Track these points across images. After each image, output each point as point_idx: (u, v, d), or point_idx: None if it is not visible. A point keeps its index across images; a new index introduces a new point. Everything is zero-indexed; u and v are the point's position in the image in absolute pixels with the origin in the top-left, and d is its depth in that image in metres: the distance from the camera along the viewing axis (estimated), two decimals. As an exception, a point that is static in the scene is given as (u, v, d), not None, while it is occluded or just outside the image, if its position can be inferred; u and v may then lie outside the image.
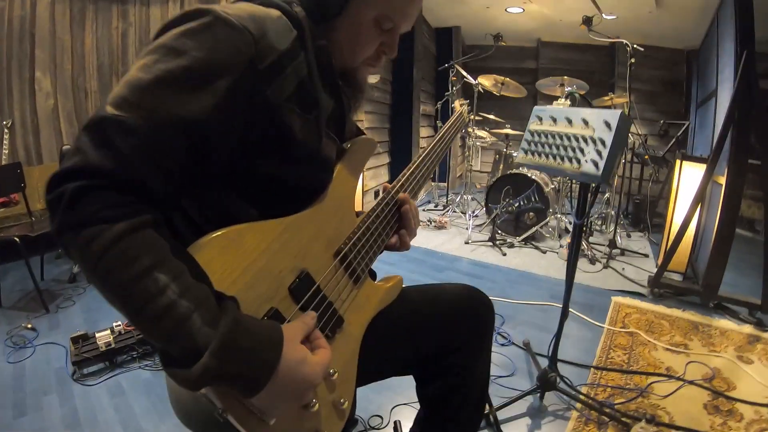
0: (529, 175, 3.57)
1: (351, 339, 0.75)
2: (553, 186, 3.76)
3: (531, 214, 3.61)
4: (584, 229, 3.37)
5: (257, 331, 0.52)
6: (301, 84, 0.65)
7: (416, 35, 5.03)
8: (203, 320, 0.48)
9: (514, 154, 3.93)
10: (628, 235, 3.93)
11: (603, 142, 1.18)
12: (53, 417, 1.52)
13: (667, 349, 2.02)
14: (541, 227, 3.63)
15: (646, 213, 4.13)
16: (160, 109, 0.51)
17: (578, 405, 1.59)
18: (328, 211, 0.74)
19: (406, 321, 0.89)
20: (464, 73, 4.13)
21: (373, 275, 0.86)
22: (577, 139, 1.24)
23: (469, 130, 4.20)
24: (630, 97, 3.34)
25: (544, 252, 3.41)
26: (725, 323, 2.29)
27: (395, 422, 1.44)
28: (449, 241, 3.68)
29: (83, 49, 3.28)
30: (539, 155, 1.37)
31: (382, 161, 5.17)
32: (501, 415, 1.55)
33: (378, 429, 1.52)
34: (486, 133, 4.34)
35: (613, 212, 3.92)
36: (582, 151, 1.22)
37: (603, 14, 3.45)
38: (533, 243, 3.57)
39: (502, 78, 4.11)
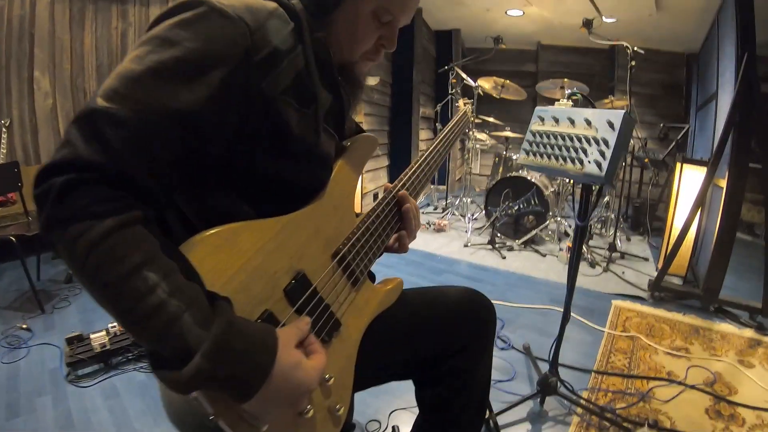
0: (528, 178, 3.56)
1: (348, 343, 0.73)
2: (552, 189, 3.74)
3: (530, 217, 3.60)
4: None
5: (251, 333, 0.51)
6: (299, 77, 0.64)
7: (416, 38, 5.03)
8: (195, 320, 0.47)
9: (514, 157, 3.91)
10: (628, 239, 3.92)
11: (606, 143, 1.16)
12: (47, 418, 1.50)
13: (668, 353, 2.00)
14: (540, 230, 3.61)
15: (645, 216, 4.12)
16: (151, 100, 0.50)
17: (579, 410, 1.58)
18: (327, 210, 0.72)
19: (405, 324, 0.88)
20: (464, 76, 4.11)
21: (372, 277, 0.84)
22: (579, 140, 1.22)
23: (469, 132, 4.20)
24: (630, 100, 3.33)
25: (544, 255, 3.40)
26: (726, 327, 2.28)
27: (393, 427, 1.42)
28: (448, 244, 3.66)
29: (82, 48, 3.27)
30: (541, 156, 1.35)
31: (382, 164, 5.16)
32: (501, 420, 1.53)
33: (376, 433, 1.50)
34: (486, 135, 4.33)
35: (612, 215, 3.92)
36: (585, 151, 1.21)
37: (603, 17, 3.45)
38: (533, 246, 3.55)
39: (502, 81, 4.10)
